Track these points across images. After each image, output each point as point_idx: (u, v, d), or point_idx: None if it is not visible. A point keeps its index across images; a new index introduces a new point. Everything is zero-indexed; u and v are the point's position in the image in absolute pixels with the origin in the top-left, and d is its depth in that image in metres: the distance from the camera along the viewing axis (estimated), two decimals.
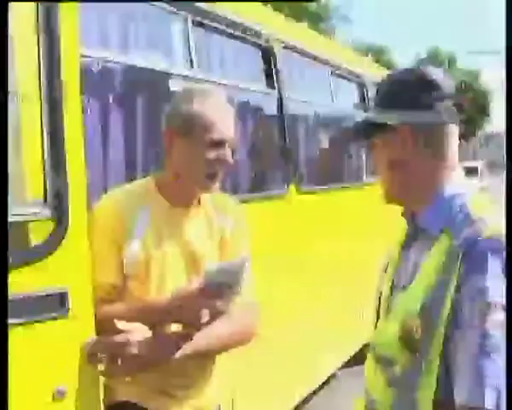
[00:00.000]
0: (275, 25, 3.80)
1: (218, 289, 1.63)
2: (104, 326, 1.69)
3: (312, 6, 19.62)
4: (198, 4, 2.88)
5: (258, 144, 3.69)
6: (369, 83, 5.43)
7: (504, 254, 1.23)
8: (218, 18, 3.07)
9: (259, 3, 3.89)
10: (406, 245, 1.51)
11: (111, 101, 2.49)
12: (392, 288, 1.51)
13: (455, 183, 1.40)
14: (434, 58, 48.36)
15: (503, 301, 1.21)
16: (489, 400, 1.17)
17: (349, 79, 5.19)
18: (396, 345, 1.36)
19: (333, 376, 4.60)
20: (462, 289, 1.24)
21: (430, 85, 1.38)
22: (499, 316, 1.20)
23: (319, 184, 4.44)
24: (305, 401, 4.03)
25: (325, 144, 4.96)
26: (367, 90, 5.39)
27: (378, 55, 31.13)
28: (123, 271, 1.76)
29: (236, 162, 3.32)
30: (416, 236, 1.46)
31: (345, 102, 5.13)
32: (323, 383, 4.37)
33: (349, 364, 4.64)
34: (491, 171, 31.05)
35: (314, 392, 4.21)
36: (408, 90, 1.39)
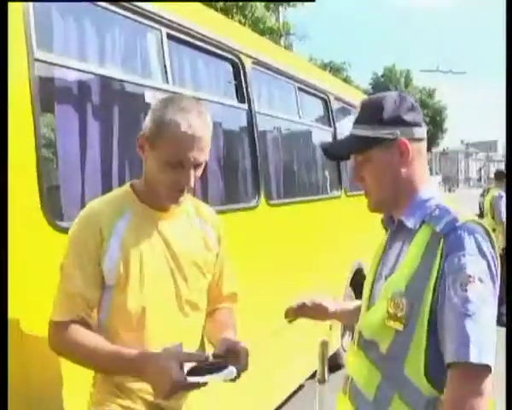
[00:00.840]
0: (245, 40, 3.86)
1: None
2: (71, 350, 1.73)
3: (272, 22, 19.82)
4: (172, 18, 2.91)
5: (229, 158, 3.72)
6: (333, 98, 5.55)
7: (477, 236, 1.42)
8: (191, 32, 3.11)
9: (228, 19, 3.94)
10: (389, 243, 1.67)
11: (86, 111, 2.49)
12: (374, 281, 1.67)
13: (429, 188, 1.60)
14: (391, 76, 49.44)
15: (480, 274, 1.39)
16: (473, 355, 1.33)
17: (314, 95, 5.28)
18: (382, 326, 1.50)
19: (300, 387, 4.64)
20: (445, 266, 1.41)
21: (414, 107, 1.59)
22: (478, 287, 1.38)
23: (288, 198, 4.53)
24: None
25: (293, 159, 5.04)
26: (331, 105, 5.50)
27: (335, 72, 31.64)
28: (99, 285, 1.74)
29: (208, 175, 3.38)
30: (397, 233, 1.63)
31: (310, 117, 5.22)
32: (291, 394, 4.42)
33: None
34: (446, 186, 32.00)
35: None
36: (395, 109, 1.56)
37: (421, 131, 1.59)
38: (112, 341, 1.73)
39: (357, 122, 1.62)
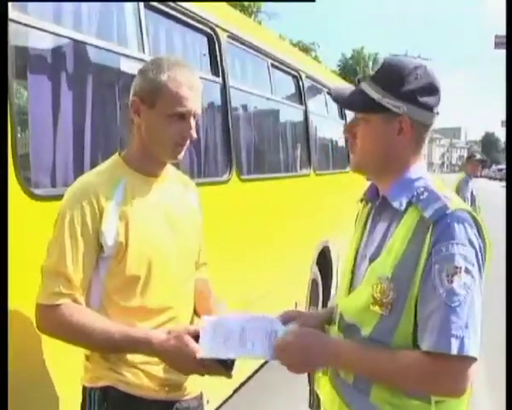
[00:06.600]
0: (221, 14, 3.83)
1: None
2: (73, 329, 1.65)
3: None
4: None
5: (202, 131, 3.70)
6: (304, 76, 5.57)
7: (466, 225, 1.39)
8: (168, 2, 3.07)
9: None
10: (372, 221, 1.63)
11: (60, 77, 2.44)
12: (356, 261, 1.62)
13: (419, 168, 1.56)
14: (359, 58, 49.60)
15: (467, 265, 1.37)
16: (454, 347, 1.32)
17: (286, 72, 5.29)
18: (366, 310, 1.47)
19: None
20: (432, 255, 1.38)
21: (433, 90, 1.52)
22: (463, 278, 1.36)
23: (259, 173, 4.56)
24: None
25: (265, 135, 5.05)
26: (303, 83, 5.51)
27: (304, 52, 31.63)
28: (94, 259, 1.70)
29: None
30: (382, 211, 1.58)
31: (282, 94, 5.23)
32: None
33: None
34: None
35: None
36: (414, 87, 1.49)
37: (429, 117, 1.53)
38: (111, 312, 1.73)
39: (374, 80, 1.54)
